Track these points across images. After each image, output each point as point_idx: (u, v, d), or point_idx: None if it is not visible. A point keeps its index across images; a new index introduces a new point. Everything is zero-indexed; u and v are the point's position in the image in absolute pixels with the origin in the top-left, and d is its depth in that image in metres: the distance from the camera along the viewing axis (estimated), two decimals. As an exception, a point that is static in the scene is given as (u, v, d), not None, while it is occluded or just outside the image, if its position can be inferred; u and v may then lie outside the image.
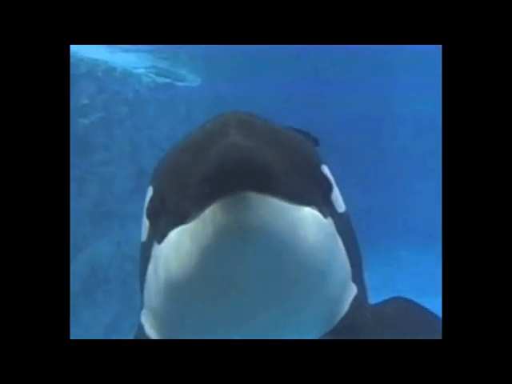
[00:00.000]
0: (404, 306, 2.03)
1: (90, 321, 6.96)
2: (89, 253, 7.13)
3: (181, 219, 1.51)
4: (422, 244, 13.28)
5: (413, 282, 11.43)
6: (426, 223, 13.12)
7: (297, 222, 1.48)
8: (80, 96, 7.22)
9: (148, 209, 1.74)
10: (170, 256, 1.54)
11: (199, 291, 1.50)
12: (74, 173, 6.21)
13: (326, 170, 1.77)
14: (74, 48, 4.07)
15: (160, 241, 1.60)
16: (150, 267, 1.71)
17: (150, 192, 1.75)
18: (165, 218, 1.61)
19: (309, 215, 1.54)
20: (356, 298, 1.80)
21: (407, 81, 14.12)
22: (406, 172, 16.19)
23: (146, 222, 1.77)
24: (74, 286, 6.19)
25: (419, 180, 16.04)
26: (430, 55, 5.01)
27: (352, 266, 1.79)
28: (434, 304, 2.73)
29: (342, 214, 1.82)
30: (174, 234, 1.53)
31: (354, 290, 1.82)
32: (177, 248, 1.51)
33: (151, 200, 1.72)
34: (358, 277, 1.87)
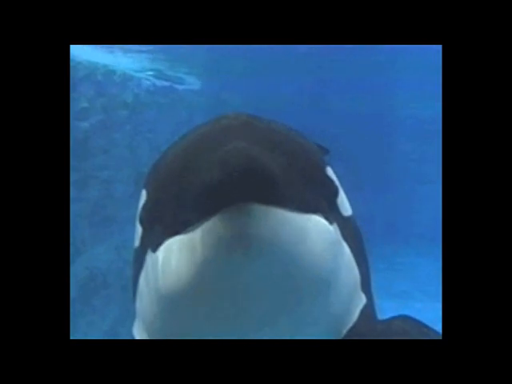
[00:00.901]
0: (411, 327, 1.81)
1: (88, 327, 6.91)
2: (87, 257, 7.11)
3: (179, 228, 1.43)
4: (423, 249, 13.29)
5: (413, 287, 11.44)
6: (427, 228, 13.14)
7: (302, 232, 1.42)
8: (79, 99, 7.22)
9: (141, 214, 1.64)
10: (166, 267, 1.45)
11: (199, 305, 1.43)
12: (73, 176, 6.21)
13: (330, 172, 1.69)
14: (73, 51, 4.05)
15: (154, 249, 1.51)
16: (143, 277, 1.62)
17: (143, 197, 1.66)
18: (160, 226, 1.52)
19: (314, 224, 1.47)
20: (365, 308, 1.73)
21: (411, 85, 14.15)
22: (407, 176, 16.23)
23: (138, 228, 1.68)
24: (72, 291, 6.16)
25: (420, 185, 16.07)
26: (434, 60, 5.01)
27: (360, 273, 1.72)
28: (435, 309, 2.72)
29: (348, 218, 1.75)
30: (171, 244, 1.44)
31: (362, 299, 1.74)
32: (174, 258, 1.42)
33: (145, 205, 1.63)
34: (366, 285, 1.79)
